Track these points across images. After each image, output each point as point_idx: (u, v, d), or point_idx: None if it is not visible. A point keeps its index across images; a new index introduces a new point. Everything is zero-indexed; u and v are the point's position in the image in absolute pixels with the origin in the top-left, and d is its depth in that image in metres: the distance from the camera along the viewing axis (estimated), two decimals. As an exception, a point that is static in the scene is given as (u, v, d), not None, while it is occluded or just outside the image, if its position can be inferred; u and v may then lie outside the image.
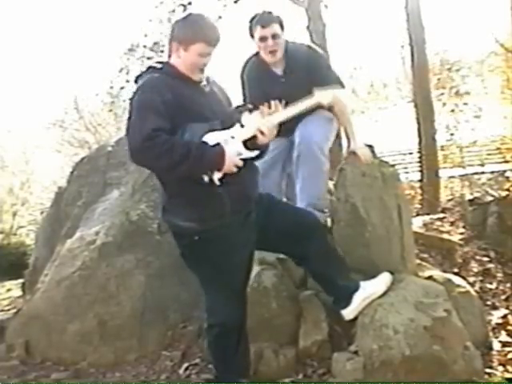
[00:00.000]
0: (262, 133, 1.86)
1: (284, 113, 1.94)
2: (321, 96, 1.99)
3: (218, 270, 1.93)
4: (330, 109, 2.39)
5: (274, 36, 2.42)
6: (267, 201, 2.10)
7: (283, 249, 2.21)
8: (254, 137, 1.87)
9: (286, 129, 2.43)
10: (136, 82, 1.93)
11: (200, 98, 1.90)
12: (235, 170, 1.81)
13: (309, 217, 2.20)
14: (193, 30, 1.87)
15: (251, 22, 2.48)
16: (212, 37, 1.90)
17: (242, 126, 1.88)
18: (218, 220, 1.86)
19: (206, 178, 1.79)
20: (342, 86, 2.52)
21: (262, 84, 2.54)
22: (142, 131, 1.70)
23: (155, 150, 1.70)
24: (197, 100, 1.88)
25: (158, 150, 1.70)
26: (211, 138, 1.80)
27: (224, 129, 1.85)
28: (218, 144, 1.79)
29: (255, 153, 1.90)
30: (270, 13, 2.46)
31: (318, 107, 2.11)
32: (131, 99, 1.87)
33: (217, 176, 1.79)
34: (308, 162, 2.41)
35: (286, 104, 2.07)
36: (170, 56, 1.96)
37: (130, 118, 1.82)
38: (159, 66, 1.93)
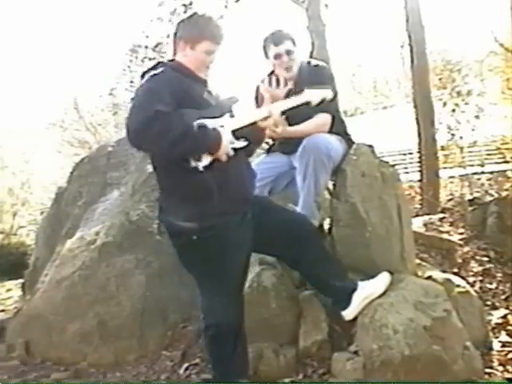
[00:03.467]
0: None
1: (278, 105, 2.00)
2: (310, 94, 2.05)
3: (214, 270, 1.93)
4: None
5: (288, 52, 2.47)
6: (265, 203, 2.13)
7: (276, 251, 2.22)
8: (241, 128, 1.89)
9: (287, 146, 2.42)
10: (143, 76, 1.92)
11: (206, 95, 1.93)
12: (224, 158, 1.82)
13: (303, 221, 2.21)
14: (199, 29, 1.92)
15: (264, 41, 2.53)
16: (217, 35, 1.95)
17: (232, 116, 1.91)
18: (215, 218, 1.85)
19: (193, 163, 1.78)
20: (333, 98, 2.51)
21: None
22: (143, 113, 1.68)
23: (155, 129, 1.68)
24: (204, 96, 1.90)
25: (158, 127, 1.68)
26: (206, 123, 1.81)
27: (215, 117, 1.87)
28: (215, 129, 1.80)
29: (244, 143, 1.90)
30: (281, 31, 2.51)
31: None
32: (137, 89, 1.86)
33: (205, 161, 1.79)
34: (312, 154, 2.36)
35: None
36: (175, 54, 1.99)
37: (131, 105, 1.80)
38: (167, 62, 1.96)
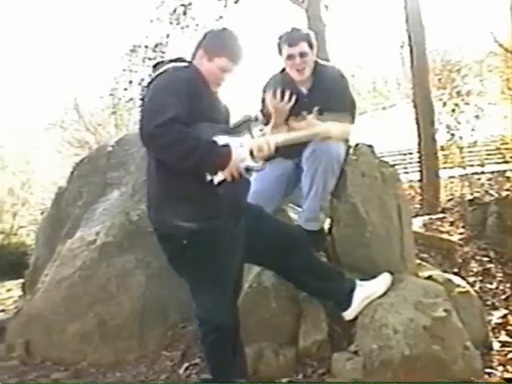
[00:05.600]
0: (260, 149, 1.87)
1: (291, 135, 2.02)
2: (331, 128, 2.08)
3: (205, 274, 1.91)
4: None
5: (302, 54, 2.41)
6: (258, 212, 2.12)
7: (266, 261, 2.20)
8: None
9: (293, 151, 2.34)
10: (155, 67, 1.94)
11: (216, 104, 1.95)
12: (236, 174, 1.81)
13: (292, 231, 2.26)
14: (221, 43, 1.94)
15: (279, 39, 2.47)
16: (237, 54, 1.96)
17: (253, 136, 1.90)
18: (213, 220, 1.85)
19: (208, 177, 1.79)
20: (353, 117, 2.51)
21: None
22: (159, 117, 1.68)
23: (167, 138, 1.69)
24: (213, 104, 1.91)
25: (170, 138, 1.69)
26: (221, 140, 1.80)
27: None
28: (227, 145, 1.79)
29: (259, 164, 1.89)
30: (298, 30, 2.45)
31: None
32: (149, 83, 1.87)
33: (218, 177, 1.79)
34: (324, 160, 2.32)
35: None
36: (193, 59, 1.99)
37: (147, 99, 1.81)
38: (184, 63, 1.94)
